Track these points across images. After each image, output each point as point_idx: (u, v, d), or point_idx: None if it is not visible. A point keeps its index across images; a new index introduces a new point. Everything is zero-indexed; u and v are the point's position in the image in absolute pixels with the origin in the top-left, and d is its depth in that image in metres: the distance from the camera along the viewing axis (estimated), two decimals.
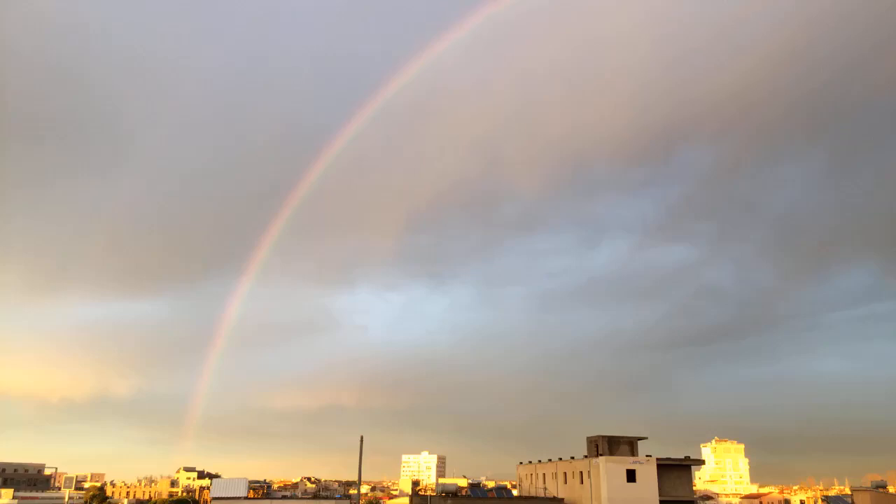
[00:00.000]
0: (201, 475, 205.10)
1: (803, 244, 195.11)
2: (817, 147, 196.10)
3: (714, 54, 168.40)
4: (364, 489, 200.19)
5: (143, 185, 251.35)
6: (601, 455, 67.24)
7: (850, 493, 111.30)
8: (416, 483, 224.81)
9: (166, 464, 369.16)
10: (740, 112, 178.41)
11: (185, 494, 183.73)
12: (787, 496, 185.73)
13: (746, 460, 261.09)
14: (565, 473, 73.67)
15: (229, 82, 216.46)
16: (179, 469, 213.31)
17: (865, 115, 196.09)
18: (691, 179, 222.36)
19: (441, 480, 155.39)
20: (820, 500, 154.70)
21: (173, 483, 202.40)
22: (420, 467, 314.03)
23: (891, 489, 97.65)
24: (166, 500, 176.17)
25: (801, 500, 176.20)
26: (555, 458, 77.67)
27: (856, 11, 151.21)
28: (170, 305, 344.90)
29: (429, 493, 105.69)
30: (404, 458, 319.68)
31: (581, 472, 69.41)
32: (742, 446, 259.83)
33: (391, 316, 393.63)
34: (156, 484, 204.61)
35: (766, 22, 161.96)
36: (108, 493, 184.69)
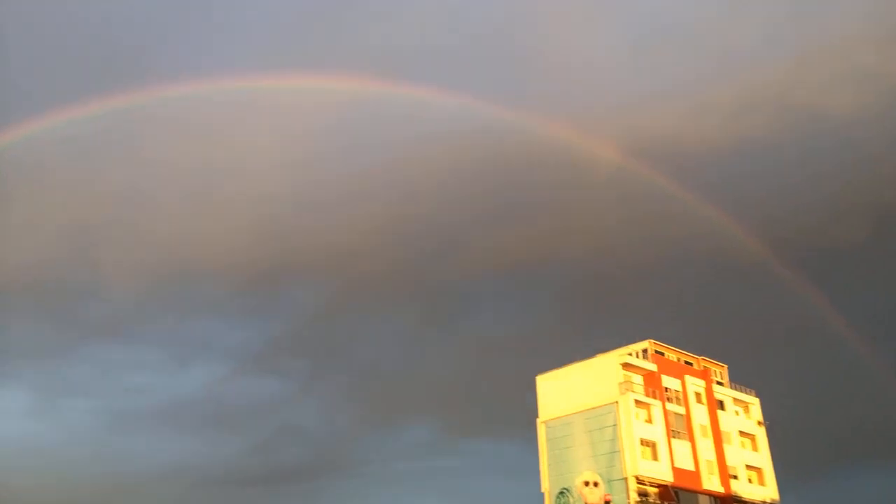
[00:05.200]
0: None
1: (379, 396, 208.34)
2: (409, 309, 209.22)
3: (329, 205, 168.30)
4: None
5: None
6: None
7: None
8: None
9: None
10: (346, 261, 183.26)
11: None
12: None
13: None
14: None
15: None
16: None
17: (450, 290, 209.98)
18: (295, 316, 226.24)
19: None
20: None
21: None
22: None
23: None
24: None
25: None
26: None
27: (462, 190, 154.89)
28: None
29: None
30: None
31: None
32: None
33: None
34: None
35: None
36: None
